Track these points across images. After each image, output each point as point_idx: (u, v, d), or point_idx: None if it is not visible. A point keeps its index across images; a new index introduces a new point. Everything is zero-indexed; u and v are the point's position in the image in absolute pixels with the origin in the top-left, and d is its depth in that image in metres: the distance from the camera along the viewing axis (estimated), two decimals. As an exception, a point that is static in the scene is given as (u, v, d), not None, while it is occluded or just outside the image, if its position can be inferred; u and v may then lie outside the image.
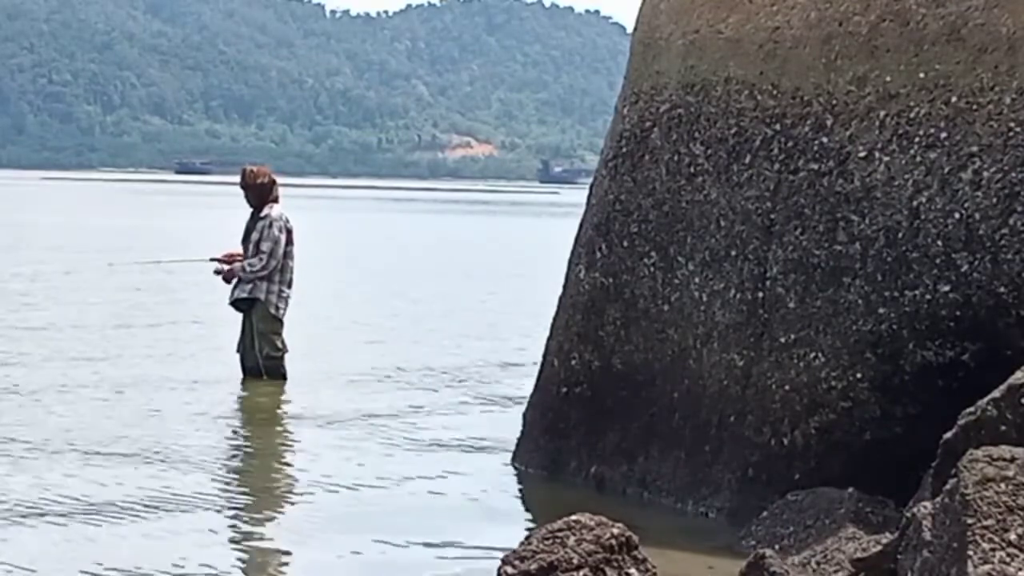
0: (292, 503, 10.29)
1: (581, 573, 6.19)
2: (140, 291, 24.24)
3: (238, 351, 15.17)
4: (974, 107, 8.67)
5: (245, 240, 15.09)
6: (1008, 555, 5.93)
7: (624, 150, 10.39)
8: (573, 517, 6.36)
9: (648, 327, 9.96)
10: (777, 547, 8.04)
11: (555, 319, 10.82)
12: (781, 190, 9.28)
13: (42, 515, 9.49)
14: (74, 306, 22.61)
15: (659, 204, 10.04)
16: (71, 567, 8.39)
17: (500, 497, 10.28)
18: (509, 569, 6.19)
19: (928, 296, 8.61)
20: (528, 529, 8.70)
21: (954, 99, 8.74)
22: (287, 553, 8.91)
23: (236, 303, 15.10)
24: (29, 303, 22.91)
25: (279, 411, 13.88)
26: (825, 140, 9.14)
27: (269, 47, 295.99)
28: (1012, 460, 6.19)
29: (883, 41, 9.03)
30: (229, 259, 15.10)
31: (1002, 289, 8.42)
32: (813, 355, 8.95)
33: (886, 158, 8.88)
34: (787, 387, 9.02)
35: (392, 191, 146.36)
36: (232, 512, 9.81)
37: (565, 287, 10.78)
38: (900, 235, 8.74)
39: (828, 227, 9.01)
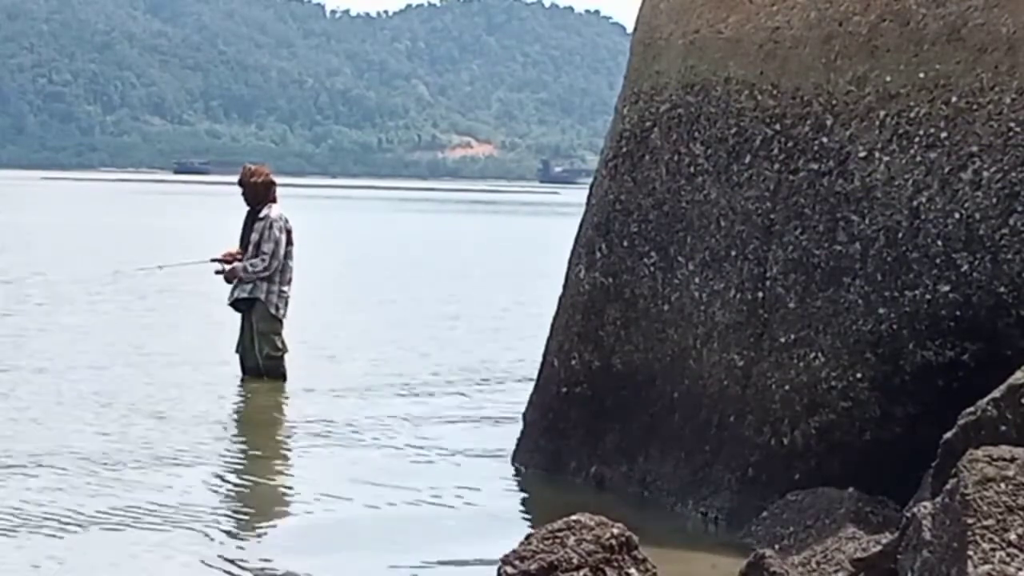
0: (288, 497, 10.31)
1: (581, 573, 6.19)
2: (139, 293, 24.23)
3: (237, 351, 15.16)
4: (974, 107, 8.67)
5: (243, 239, 15.09)
6: (1008, 555, 5.93)
7: (624, 150, 10.39)
8: (573, 517, 6.36)
9: (648, 327, 9.96)
10: (777, 547, 8.04)
11: (555, 319, 10.82)
12: (781, 190, 9.28)
13: (39, 525, 9.59)
14: (75, 308, 22.64)
15: (659, 204, 10.04)
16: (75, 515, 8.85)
17: (500, 497, 10.28)
18: (509, 569, 6.19)
19: (928, 296, 8.61)
20: (528, 529, 8.70)
21: (954, 99, 8.73)
22: (288, 543, 8.94)
23: (236, 303, 15.10)
24: (28, 306, 22.94)
25: (280, 409, 13.89)
26: (825, 140, 9.14)
27: (269, 47, 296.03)
28: (1012, 460, 6.19)
29: (883, 41, 9.03)
30: (229, 259, 15.09)
31: (1002, 289, 8.42)
32: (813, 355, 8.95)
33: (886, 158, 8.88)
34: (787, 387, 9.02)
35: (392, 191, 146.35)
36: (234, 510, 9.85)
37: (565, 287, 10.78)
38: (900, 235, 8.74)
39: (828, 227, 9.01)
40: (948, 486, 6.25)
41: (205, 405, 13.60)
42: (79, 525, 9.09)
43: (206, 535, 8.96)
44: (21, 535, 8.84)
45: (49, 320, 20.41)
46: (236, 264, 14.97)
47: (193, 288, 22.93)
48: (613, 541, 6.30)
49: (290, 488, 10.74)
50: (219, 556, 8.52)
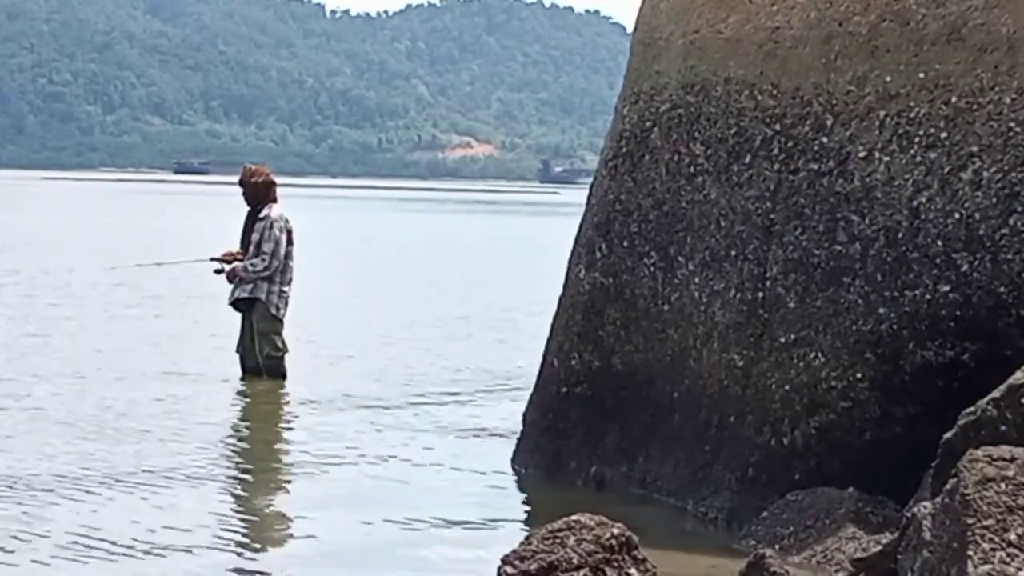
0: (289, 499, 10.31)
1: (581, 573, 6.19)
2: (140, 291, 24.23)
3: (237, 351, 15.17)
4: (974, 107, 8.67)
5: (244, 240, 15.09)
6: (1008, 555, 5.94)
7: (624, 150, 10.39)
8: (573, 517, 6.36)
9: (648, 327, 9.96)
10: (777, 547, 8.05)
11: (555, 319, 10.82)
12: (781, 190, 9.28)
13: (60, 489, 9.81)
14: (75, 304, 22.66)
15: (659, 204, 10.04)
16: (78, 537, 8.72)
17: (500, 497, 10.28)
18: (509, 569, 6.19)
19: (928, 296, 8.61)
20: (528, 529, 8.69)
21: (954, 99, 8.73)
22: (290, 553, 8.94)
23: (236, 303, 15.11)
24: (33, 303, 22.96)
25: (279, 409, 13.88)
26: (825, 140, 9.14)
27: (269, 47, 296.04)
28: (1012, 460, 6.19)
29: (883, 41, 9.03)
30: (229, 258, 15.10)
31: (1002, 289, 8.42)
32: (813, 355, 8.94)
33: (886, 158, 8.88)
34: (787, 387, 9.02)
35: (392, 191, 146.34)
36: (228, 497, 9.85)
37: (565, 287, 10.78)
38: (900, 235, 8.74)
39: (828, 227, 9.01)
40: (948, 486, 6.26)
41: (205, 415, 13.35)
42: (72, 546, 8.75)
43: (201, 556, 8.62)
44: (18, 554, 8.55)
45: (55, 325, 20.29)
46: (236, 263, 14.98)
47: (198, 290, 22.90)
48: (613, 541, 6.30)
49: (288, 480, 10.74)
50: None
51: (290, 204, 16.62)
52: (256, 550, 8.86)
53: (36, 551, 8.57)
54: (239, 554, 8.70)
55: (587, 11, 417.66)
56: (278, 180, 15.44)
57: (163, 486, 10.22)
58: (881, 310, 8.74)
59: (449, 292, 27.65)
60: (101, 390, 14.26)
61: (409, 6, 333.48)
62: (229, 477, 10.85)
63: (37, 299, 23.56)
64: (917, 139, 8.81)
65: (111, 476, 10.42)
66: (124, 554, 8.54)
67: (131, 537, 8.80)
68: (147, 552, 8.56)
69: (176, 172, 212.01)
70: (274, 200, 15.12)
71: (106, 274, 24.93)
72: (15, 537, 8.82)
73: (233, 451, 11.88)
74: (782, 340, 9.11)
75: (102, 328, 19.71)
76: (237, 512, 9.79)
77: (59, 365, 15.92)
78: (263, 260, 14.86)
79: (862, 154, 8.98)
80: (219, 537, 9.01)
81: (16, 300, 23.31)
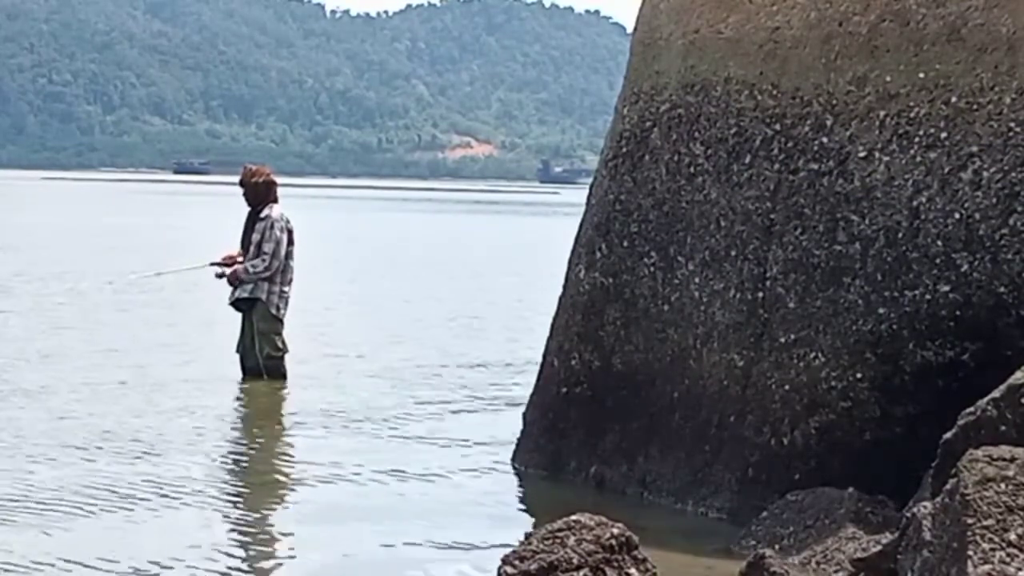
0: (292, 499, 10.29)
1: (581, 573, 6.19)
2: (143, 292, 24.22)
3: (238, 351, 15.16)
4: (974, 107, 8.67)
5: (244, 240, 15.09)
6: (1008, 555, 5.94)
7: (624, 150, 10.40)
8: (573, 517, 6.36)
9: (648, 327, 9.96)
10: (777, 547, 8.04)
11: (555, 319, 10.82)
12: (781, 190, 9.28)
13: (46, 507, 9.66)
14: (80, 305, 22.67)
15: (659, 204, 10.04)
16: (71, 558, 8.50)
17: (500, 497, 10.28)
18: (509, 569, 6.19)
19: (928, 296, 8.61)
20: (528, 529, 8.69)
21: (954, 99, 8.74)
22: (283, 552, 8.92)
23: (236, 303, 15.11)
24: (34, 307, 22.97)
25: (280, 409, 13.87)
26: (825, 140, 9.14)
27: (269, 47, 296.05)
28: (1012, 460, 6.19)
29: (883, 41, 9.03)
30: (229, 261, 15.10)
31: (1002, 289, 8.42)
32: (813, 355, 8.95)
33: (886, 158, 8.88)
34: (787, 387, 9.02)
35: (392, 191, 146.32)
36: (231, 503, 9.83)
37: (565, 287, 10.78)
38: (900, 235, 8.74)
39: (828, 227, 9.01)
40: (948, 486, 6.26)
41: (205, 423, 13.00)
42: (65, 565, 8.50)
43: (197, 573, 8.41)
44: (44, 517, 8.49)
45: (64, 325, 20.29)
46: (237, 266, 14.98)
47: (199, 290, 22.88)
48: (613, 541, 6.30)
49: (288, 484, 10.72)
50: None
51: (290, 204, 16.60)
52: (260, 560, 8.79)
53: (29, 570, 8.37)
54: (241, 570, 8.56)
55: (587, 11, 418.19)
56: (278, 180, 15.43)
57: (159, 501, 9.98)
58: (881, 310, 8.74)
59: (452, 292, 27.64)
60: (105, 395, 14.22)
61: (409, 6, 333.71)
62: (231, 491, 10.57)
63: (45, 299, 23.56)
64: (917, 139, 8.81)
65: (111, 491, 10.20)
66: (114, 571, 8.37)
67: (125, 554, 8.59)
68: (137, 570, 8.39)
69: (176, 172, 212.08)
70: (275, 200, 15.13)
71: (108, 275, 24.89)
72: (7, 559, 8.54)
73: (235, 463, 11.61)
74: (782, 340, 9.11)
75: (107, 330, 19.69)
76: (243, 527, 9.49)
77: (69, 368, 15.91)
78: (263, 261, 14.87)
79: (862, 154, 8.98)
80: (216, 553, 8.75)
81: (23, 301, 23.31)
